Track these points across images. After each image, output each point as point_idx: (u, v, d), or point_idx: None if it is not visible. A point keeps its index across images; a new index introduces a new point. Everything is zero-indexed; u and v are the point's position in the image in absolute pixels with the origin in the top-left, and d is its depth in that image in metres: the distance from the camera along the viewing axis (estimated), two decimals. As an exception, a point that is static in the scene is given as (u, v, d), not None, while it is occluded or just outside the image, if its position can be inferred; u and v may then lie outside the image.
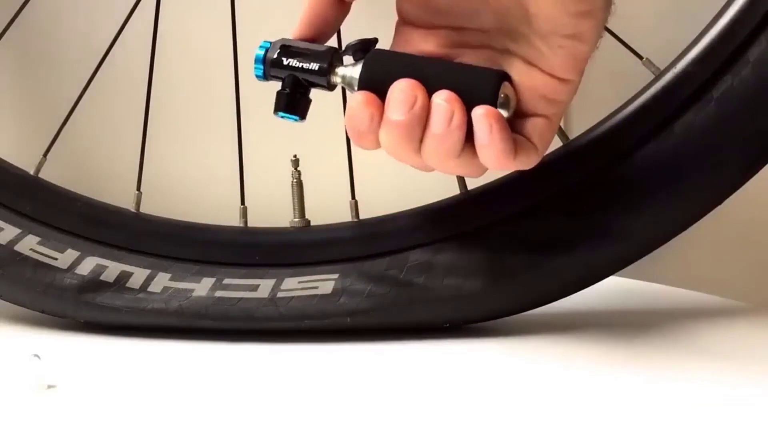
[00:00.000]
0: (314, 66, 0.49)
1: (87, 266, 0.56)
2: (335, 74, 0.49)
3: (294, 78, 0.49)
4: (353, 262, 0.56)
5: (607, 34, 0.57)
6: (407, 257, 0.55)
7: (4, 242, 0.57)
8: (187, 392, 0.49)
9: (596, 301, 0.57)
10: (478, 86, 0.46)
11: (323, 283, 0.55)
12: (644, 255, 0.55)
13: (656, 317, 0.58)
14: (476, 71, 0.47)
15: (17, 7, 0.62)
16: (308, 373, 0.51)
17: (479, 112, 0.45)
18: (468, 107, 0.45)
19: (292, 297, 0.55)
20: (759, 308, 0.59)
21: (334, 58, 0.49)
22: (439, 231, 0.55)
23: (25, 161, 0.60)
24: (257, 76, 0.50)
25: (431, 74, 0.46)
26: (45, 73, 0.72)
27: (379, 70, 0.47)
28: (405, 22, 0.49)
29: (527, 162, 0.48)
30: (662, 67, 0.55)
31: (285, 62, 0.49)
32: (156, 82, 0.61)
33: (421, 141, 0.46)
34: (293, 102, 0.49)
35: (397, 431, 0.43)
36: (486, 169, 0.48)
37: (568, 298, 0.55)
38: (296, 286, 0.56)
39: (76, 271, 0.56)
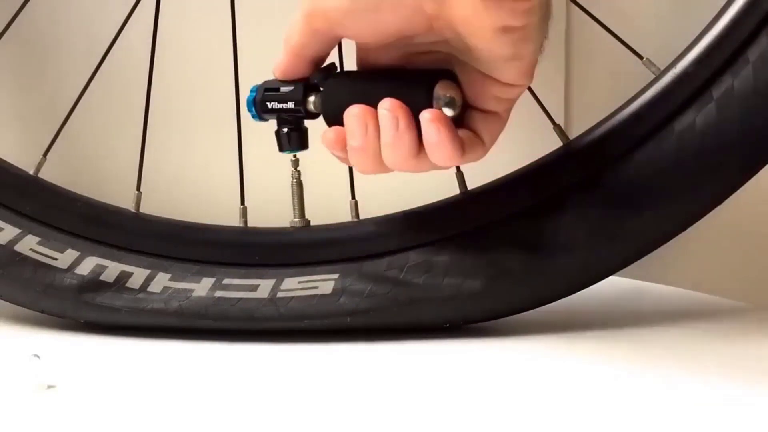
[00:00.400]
0: (290, 104, 0.52)
1: (87, 266, 0.56)
2: (309, 104, 0.52)
3: (281, 117, 0.53)
4: (353, 262, 0.56)
5: (607, 34, 0.57)
6: (407, 257, 0.55)
7: (4, 242, 0.57)
8: (187, 392, 0.49)
9: (596, 301, 0.57)
10: (416, 90, 0.49)
11: (323, 283, 0.55)
12: (644, 255, 0.55)
13: (656, 317, 0.58)
14: (415, 76, 0.50)
15: (17, 7, 0.62)
16: (308, 373, 0.51)
17: (426, 117, 0.48)
18: (414, 110, 0.48)
19: (292, 297, 0.55)
20: (759, 309, 0.59)
21: (306, 91, 0.52)
22: (439, 231, 0.55)
23: (25, 161, 0.60)
24: (254, 119, 0.54)
25: (377, 89, 0.49)
26: (45, 73, 0.72)
27: (336, 98, 0.51)
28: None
29: (474, 157, 0.50)
30: (662, 67, 0.55)
31: (269, 106, 0.53)
32: (156, 82, 0.61)
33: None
34: (290, 139, 0.54)
35: (396, 431, 0.43)
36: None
37: (568, 298, 0.55)
38: (296, 286, 0.56)
39: (76, 271, 0.56)
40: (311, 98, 0.52)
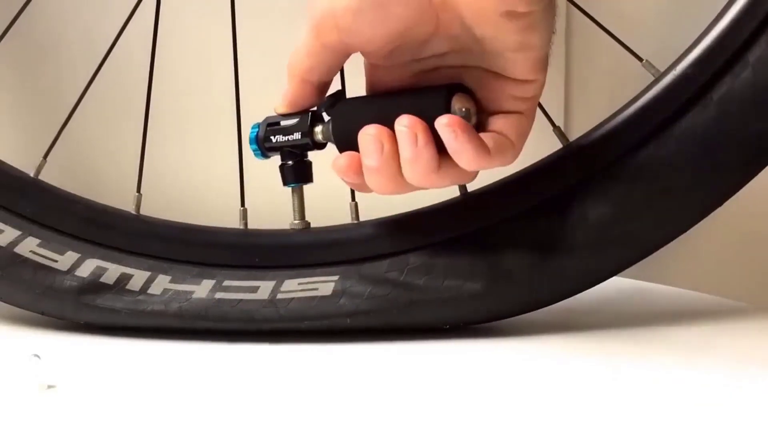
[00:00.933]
0: (297, 135, 0.53)
1: (87, 268, 0.56)
2: (316, 134, 0.53)
3: (286, 150, 0.53)
4: (353, 264, 0.56)
5: (606, 36, 0.57)
6: (407, 259, 0.55)
7: (4, 244, 0.57)
8: (187, 392, 0.49)
9: (596, 301, 0.57)
10: (432, 104, 0.49)
11: (323, 285, 0.55)
12: (644, 257, 0.55)
13: (656, 317, 0.58)
14: (427, 92, 0.50)
15: (17, 9, 0.62)
16: (308, 373, 0.51)
17: (441, 122, 0.47)
18: (430, 125, 0.48)
19: (292, 299, 0.55)
20: (760, 309, 0.59)
21: (311, 120, 0.52)
22: (439, 233, 0.55)
23: (25, 163, 0.60)
24: (257, 157, 0.55)
25: (390, 109, 0.49)
26: (45, 75, 0.72)
27: (347, 122, 0.51)
28: (369, 62, 0.52)
29: (505, 158, 0.50)
30: (662, 69, 0.55)
31: (274, 140, 0.53)
32: (156, 83, 0.61)
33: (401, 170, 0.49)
34: (294, 172, 0.54)
35: (396, 430, 0.43)
36: (476, 173, 0.50)
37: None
38: (296, 287, 0.56)
39: (76, 273, 0.56)
40: (318, 128, 0.52)
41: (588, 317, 0.56)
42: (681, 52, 0.54)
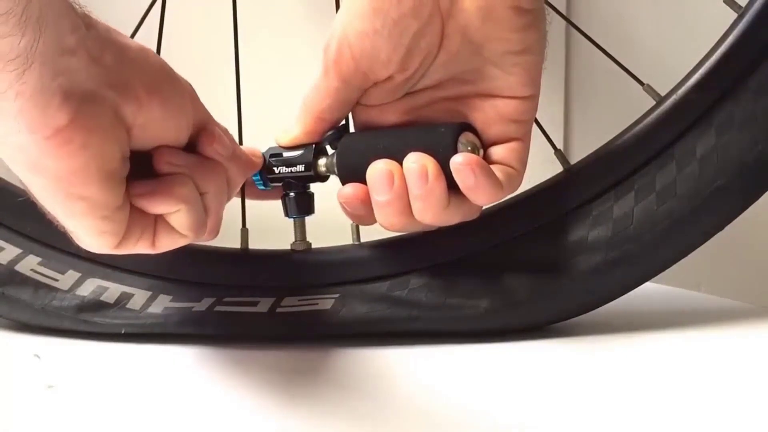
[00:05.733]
0: (300, 167, 0.53)
1: (88, 287, 0.56)
2: (319, 166, 0.53)
3: (289, 181, 0.54)
4: (354, 285, 0.56)
5: (608, 60, 0.58)
6: (408, 280, 0.55)
7: (4, 262, 0.57)
8: (187, 393, 0.49)
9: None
10: (439, 142, 0.49)
11: (323, 301, 0.56)
12: (645, 281, 0.55)
13: (656, 317, 0.58)
14: (435, 129, 0.50)
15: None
16: (308, 374, 0.51)
17: (458, 161, 0.47)
18: (438, 161, 0.48)
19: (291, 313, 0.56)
20: (759, 309, 0.59)
21: (315, 153, 0.53)
22: (440, 254, 0.56)
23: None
24: (258, 186, 0.55)
25: (397, 144, 0.50)
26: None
27: (353, 155, 0.51)
28: (359, 104, 0.52)
29: (513, 187, 0.51)
30: (663, 93, 0.55)
31: (277, 171, 0.54)
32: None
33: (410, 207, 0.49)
34: (297, 204, 0.54)
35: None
36: (481, 208, 0.51)
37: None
38: (296, 303, 0.56)
39: (77, 293, 0.56)
40: (321, 161, 0.53)
41: (587, 316, 0.56)
42: (683, 76, 0.54)
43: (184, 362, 0.53)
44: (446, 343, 0.54)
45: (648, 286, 0.56)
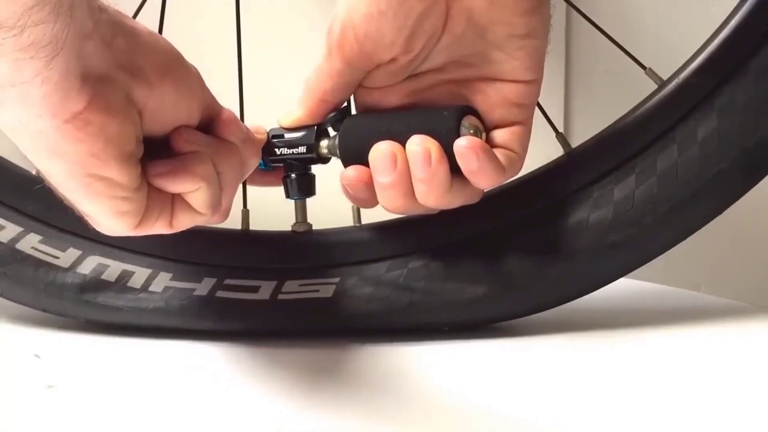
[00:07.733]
0: (301, 149, 0.53)
1: (88, 265, 0.56)
2: (321, 148, 0.53)
3: (290, 162, 0.54)
4: (354, 266, 0.56)
5: (610, 44, 0.58)
6: (407, 262, 0.55)
7: (5, 240, 0.57)
8: (187, 392, 0.49)
9: (597, 301, 0.57)
10: (442, 125, 0.48)
11: (324, 287, 0.56)
12: (644, 264, 0.55)
13: (656, 317, 0.58)
14: (437, 112, 0.49)
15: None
16: (308, 374, 0.51)
17: (461, 145, 0.47)
18: (441, 144, 0.48)
19: (293, 300, 0.55)
20: (759, 308, 0.59)
21: (317, 134, 0.53)
22: (440, 237, 0.56)
23: (27, 160, 0.60)
24: (260, 167, 0.54)
25: (399, 127, 0.49)
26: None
27: (355, 137, 0.51)
28: (362, 86, 0.52)
29: (514, 171, 0.51)
30: (665, 77, 0.55)
31: (278, 152, 0.53)
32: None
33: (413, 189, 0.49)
34: (298, 186, 0.54)
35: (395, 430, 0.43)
36: (483, 191, 0.51)
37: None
38: (297, 288, 0.56)
39: (77, 270, 0.56)
40: (323, 142, 0.53)
41: (587, 316, 0.56)
42: (684, 60, 0.54)
43: (185, 361, 0.53)
44: (450, 340, 0.54)
45: (648, 286, 0.56)
